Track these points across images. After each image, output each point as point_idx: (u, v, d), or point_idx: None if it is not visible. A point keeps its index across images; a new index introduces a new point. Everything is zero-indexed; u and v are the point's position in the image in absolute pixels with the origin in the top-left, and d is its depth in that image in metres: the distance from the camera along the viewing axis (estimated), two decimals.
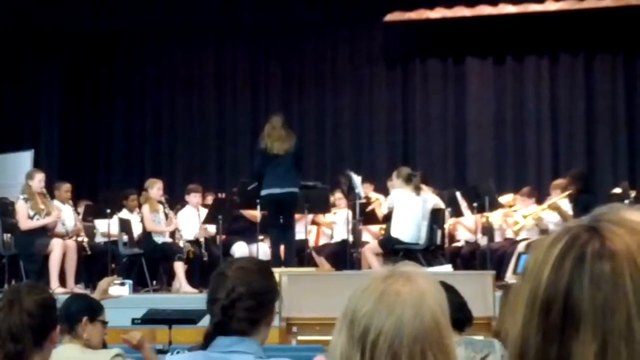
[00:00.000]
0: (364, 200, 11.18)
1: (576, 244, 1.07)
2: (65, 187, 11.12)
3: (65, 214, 10.76)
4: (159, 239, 10.87)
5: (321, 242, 11.98)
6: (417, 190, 10.25)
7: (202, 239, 11.27)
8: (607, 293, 1.03)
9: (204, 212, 11.31)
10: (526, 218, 10.71)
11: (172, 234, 11.13)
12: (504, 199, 11.40)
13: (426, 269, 8.89)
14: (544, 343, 1.04)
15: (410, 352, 1.42)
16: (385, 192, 11.63)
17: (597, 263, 1.05)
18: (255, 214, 10.95)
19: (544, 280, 1.06)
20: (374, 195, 11.86)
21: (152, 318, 6.91)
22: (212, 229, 11.46)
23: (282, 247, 10.70)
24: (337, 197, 11.68)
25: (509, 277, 9.66)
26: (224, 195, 12.24)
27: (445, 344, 1.47)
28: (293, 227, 10.46)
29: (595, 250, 1.06)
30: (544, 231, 10.66)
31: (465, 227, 11.48)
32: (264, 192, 10.09)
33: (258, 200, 10.51)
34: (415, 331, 1.43)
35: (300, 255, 10.91)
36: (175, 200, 11.71)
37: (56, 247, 10.13)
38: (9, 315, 2.75)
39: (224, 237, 11.26)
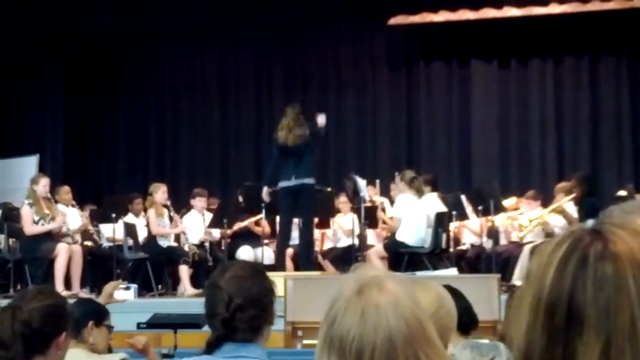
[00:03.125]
0: (369, 204, 11.17)
1: (579, 246, 1.08)
2: (65, 190, 11.15)
3: (70, 217, 10.78)
4: (164, 243, 10.89)
5: (326, 246, 11.99)
6: (420, 193, 10.26)
7: (207, 243, 11.28)
8: (610, 294, 1.05)
9: (209, 216, 11.33)
10: (532, 222, 10.69)
11: (177, 238, 11.14)
12: (507, 202, 11.39)
13: (431, 272, 8.90)
14: (548, 345, 1.05)
15: (405, 357, 1.46)
16: (388, 194, 11.62)
17: (600, 265, 1.06)
18: (262, 229, 11.05)
19: (547, 283, 1.07)
20: (378, 199, 11.85)
21: (157, 322, 6.90)
22: (216, 233, 11.48)
23: (289, 251, 10.73)
24: (341, 200, 11.67)
25: (516, 280, 9.65)
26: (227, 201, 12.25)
27: (431, 337, 1.51)
28: (310, 222, 10.41)
29: (598, 252, 1.07)
30: (549, 234, 10.65)
31: (470, 231, 11.47)
32: (279, 185, 10.10)
33: (263, 205, 10.53)
34: (404, 336, 1.47)
35: None
36: (179, 204, 11.71)
37: (61, 251, 10.14)
38: (1, 322, 2.76)
39: (229, 241, 11.27)
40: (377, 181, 12.00)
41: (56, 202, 10.79)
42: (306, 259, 10.22)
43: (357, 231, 11.08)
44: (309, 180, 10.04)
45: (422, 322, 1.50)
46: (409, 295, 1.53)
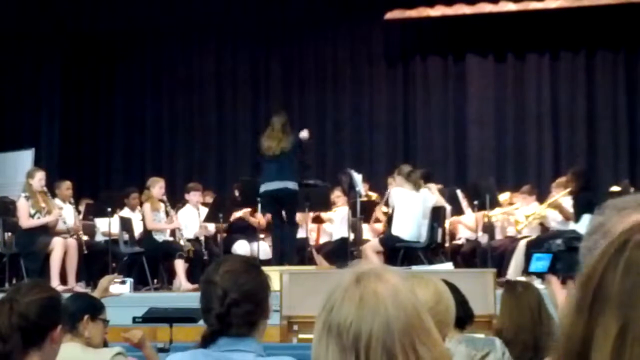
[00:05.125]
0: (364, 199, 11.18)
1: (629, 232, 1.10)
2: (66, 185, 11.12)
3: (66, 212, 10.77)
4: (159, 238, 10.89)
5: (322, 240, 11.99)
6: (417, 187, 10.26)
7: (202, 238, 11.28)
8: (636, 281, 1.05)
9: (204, 210, 11.32)
10: (528, 217, 10.70)
11: (173, 233, 11.14)
12: (502, 197, 11.40)
13: (427, 267, 8.91)
14: (575, 316, 1.08)
15: (402, 345, 1.46)
16: (385, 189, 11.63)
17: (636, 251, 1.07)
18: (256, 221, 11.04)
19: (593, 260, 1.10)
20: (372, 194, 11.86)
21: (153, 316, 6.92)
22: (212, 227, 11.47)
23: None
24: (336, 194, 11.69)
25: (512, 275, 9.65)
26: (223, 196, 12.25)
27: (429, 328, 1.51)
28: (294, 224, 10.47)
29: (638, 241, 1.08)
30: (545, 229, 10.66)
31: (465, 226, 11.48)
32: (261, 190, 10.14)
33: (259, 199, 10.54)
34: (402, 324, 1.47)
35: (300, 254, 10.92)
36: (174, 199, 11.71)
37: (57, 245, 10.14)
38: None
39: (224, 235, 11.27)
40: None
41: (54, 196, 10.77)
42: (288, 258, 10.21)
43: (344, 227, 11.11)
44: (292, 185, 10.06)
45: (420, 313, 1.51)
46: (408, 287, 1.53)
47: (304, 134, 10.34)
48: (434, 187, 10.82)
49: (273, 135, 10.08)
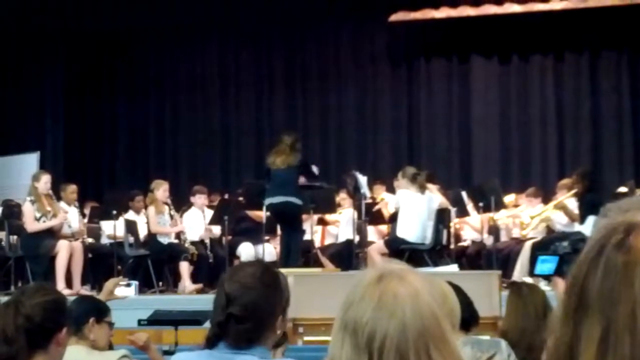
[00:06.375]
0: (369, 200, 11.18)
1: (606, 235, 1.12)
2: (71, 189, 11.13)
3: (70, 216, 10.77)
4: (164, 240, 10.89)
5: (327, 242, 11.98)
6: (422, 189, 10.25)
7: (207, 240, 11.27)
8: (615, 283, 1.08)
9: (209, 213, 11.32)
10: (533, 218, 10.69)
11: (178, 235, 11.14)
12: (507, 198, 11.39)
13: (432, 269, 8.90)
14: (563, 321, 1.11)
15: (416, 349, 1.45)
16: (391, 191, 11.63)
17: (613, 254, 1.10)
18: (261, 215, 10.97)
19: (576, 264, 1.13)
20: (385, 196, 11.85)
21: (158, 319, 6.91)
22: (217, 230, 11.47)
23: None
24: (342, 197, 11.69)
25: (518, 277, 9.64)
26: (228, 196, 12.24)
27: (446, 335, 1.50)
28: (297, 231, 10.46)
29: (616, 242, 1.11)
30: (551, 231, 10.65)
31: (471, 227, 11.47)
32: (265, 202, 10.20)
33: (263, 201, 10.55)
34: (418, 329, 1.46)
35: (306, 255, 10.92)
36: (179, 201, 11.71)
37: (62, 248, 10.14)
38: (4, 317, 2.76)
39: (229, 237, 11.26)
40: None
41: (59, 199, 10.78)
42: (292, 262, 10.19)
43: (350, 229, 11.09)
44: (295, 200, 10.07)
45: (438, 319, 1.49)
46: (430, 291, 1.52)
47: (315, 169, 10.48)
48: (433, 188, 10.80)
49: (281, 150, 10.14)
